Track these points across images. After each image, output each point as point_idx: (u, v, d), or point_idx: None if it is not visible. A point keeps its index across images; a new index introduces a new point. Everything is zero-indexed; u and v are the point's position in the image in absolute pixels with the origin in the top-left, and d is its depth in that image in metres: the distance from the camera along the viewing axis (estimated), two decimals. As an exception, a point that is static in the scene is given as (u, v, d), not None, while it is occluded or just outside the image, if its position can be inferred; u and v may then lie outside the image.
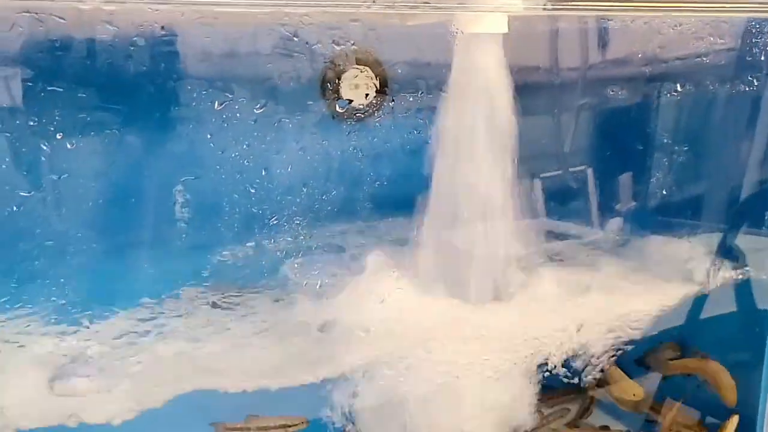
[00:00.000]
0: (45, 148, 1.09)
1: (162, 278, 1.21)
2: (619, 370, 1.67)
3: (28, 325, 1.16)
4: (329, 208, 1.28)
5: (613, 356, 1.69)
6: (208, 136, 1.16)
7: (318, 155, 1.28)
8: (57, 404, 1.09)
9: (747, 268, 1.68)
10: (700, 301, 1.73)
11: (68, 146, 1.09)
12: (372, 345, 1.23)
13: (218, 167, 1.18)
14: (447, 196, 1.37)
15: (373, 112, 1.42)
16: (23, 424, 1.06)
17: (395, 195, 1.41)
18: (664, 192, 1.85)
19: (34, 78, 1.08)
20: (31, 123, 1.08)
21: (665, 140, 1.85)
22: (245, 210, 1.22)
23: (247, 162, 1.18)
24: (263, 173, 1.20)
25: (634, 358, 1.73)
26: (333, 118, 1.28)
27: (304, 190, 1.24)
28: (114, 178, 1.16)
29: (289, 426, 1.47)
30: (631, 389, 1.62)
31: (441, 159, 1.35)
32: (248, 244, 1.24)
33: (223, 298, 1.24)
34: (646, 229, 1.85)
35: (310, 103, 1.25)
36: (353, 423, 1.29)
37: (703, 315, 1.73)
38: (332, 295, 1.25)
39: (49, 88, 1.08)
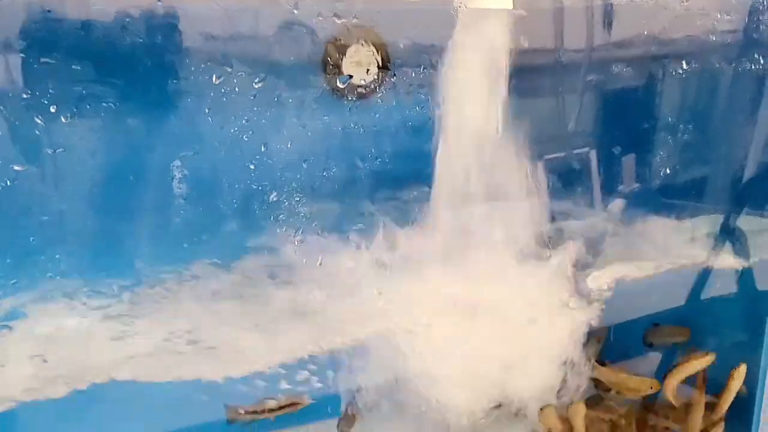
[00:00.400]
0: (39, 121, 1.06)
1: (158, 255, 1.20)
2: (622, 371, 1.65)
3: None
4: (330, 185, 1.26)
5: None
6: (207, 110, 1.14)
7: (318, 132, 1.25)
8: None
9: (748, 250, 1.67)
10: (700, 281, 1.73)
11: (63, 120, 1.07)
12: (372, 320, 1.22)
13: (217, 143, 1.16)
14: (449, 175, 1.36)
15: (375, 88, 1.39)
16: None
17: (397, 172, 1.39)
18: (670, 173, 1.84)
19: (28, 50, 1.05)
20: (24, 96, 1.05)
21: (669, 120, 1.83)
22: (244, 186, 1.20)
23: (246, 138, 1.16)
24: (263, 149, 1.18)
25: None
26: (334, 93, 1.25)
27: (304, 166, 1.22)
28: (110, 153, 1.14)
29: (297, 404, 1.51)
30: (647, 384, 1.59)
31: (443, 137, 1.34)
32: (247, 221, 1.22)
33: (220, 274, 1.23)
34: (648, 210, 1.84)
35: (311, 78, 1.23)
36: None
37: (704, 295, 1.73)
38: (333, 272, 1.23)
39: (42, 60, 1.06)
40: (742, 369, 1.52)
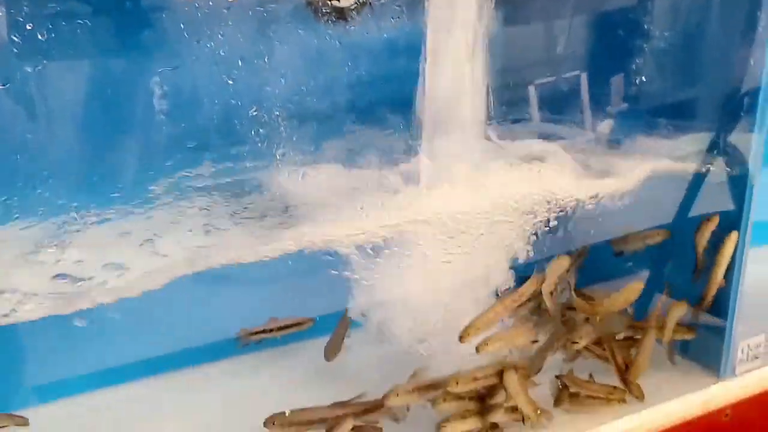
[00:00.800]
0: (16, 39, 1.07)
1: (141, 172, 1.23)
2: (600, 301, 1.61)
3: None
4: (308, 98, 1.28)
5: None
6: (181, 26, 1.14)
7: (295, 48, 1.26)
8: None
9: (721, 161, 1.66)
10: (688, 195, 1.74)
11: (39, 37, 1.08)
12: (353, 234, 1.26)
13: (194, 57, 1.17)
14: (431, 98, 1.36)
15: (356, 10, 1.38)
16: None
17: (378, 92, 1.40)
18: (658, 92, 1.85)
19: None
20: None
21: (656, 40, 1.82)
22: (223, 101, 1.21)
23: (223, 52, 1.17)
24: (239, 63, 1.19)
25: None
26: (308, 5, 1.24)
27: (282, 81, 1.23)
28: (87, 70, 1.15)
29: (301, 324, 1.60)
30: (632, 291, 1.55)
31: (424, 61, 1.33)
32: (226, 135, 1.24)
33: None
34: (636, 129, 1.84)
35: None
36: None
37: (688, 211, 1.74)
38: (315, 184, 1.26)
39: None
40: (734, 234, 1.52)
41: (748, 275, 1.54)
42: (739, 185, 1.54)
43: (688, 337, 1.62)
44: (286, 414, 1.30)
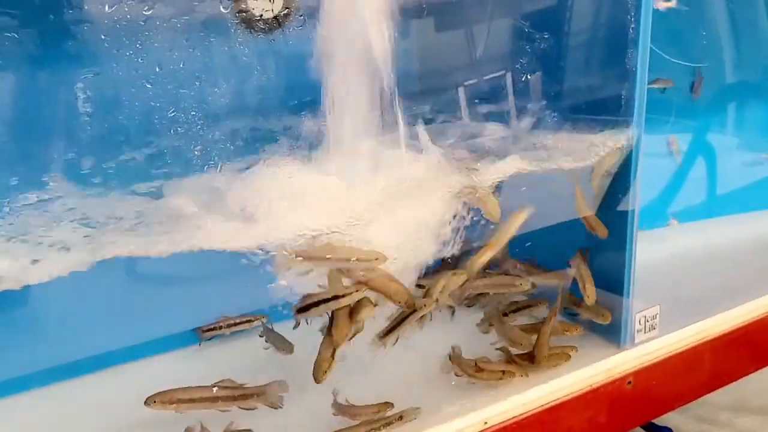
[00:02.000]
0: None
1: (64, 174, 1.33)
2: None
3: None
4: (221, 101, 1.39)
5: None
6: (102, 37, 1.26)
7: (212, 55, 1.38)
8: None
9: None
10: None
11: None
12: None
13: (114, 65, 1.28)
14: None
15: (278, 21, 1.50)
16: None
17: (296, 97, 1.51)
18: (575, 91, 1.99)
19: None
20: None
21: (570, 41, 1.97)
22: (144, 105, 1.33)
23: (141, 60, 1.29)
24: (158, 69, 1.31)
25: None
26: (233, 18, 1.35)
27: (197, 84, 1.35)
28: (10, 77, 1.25)
29: (252, 320, 1.75)
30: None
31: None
32: (148, 136, 1.36)
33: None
34: (555, 125, 1.98)
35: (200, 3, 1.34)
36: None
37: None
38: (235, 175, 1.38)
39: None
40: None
41: (639, 254, 1.70)
42: (626, 176, 1.70)
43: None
44: (167, 392, 1.32)
